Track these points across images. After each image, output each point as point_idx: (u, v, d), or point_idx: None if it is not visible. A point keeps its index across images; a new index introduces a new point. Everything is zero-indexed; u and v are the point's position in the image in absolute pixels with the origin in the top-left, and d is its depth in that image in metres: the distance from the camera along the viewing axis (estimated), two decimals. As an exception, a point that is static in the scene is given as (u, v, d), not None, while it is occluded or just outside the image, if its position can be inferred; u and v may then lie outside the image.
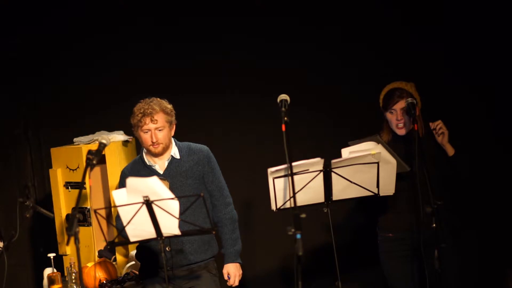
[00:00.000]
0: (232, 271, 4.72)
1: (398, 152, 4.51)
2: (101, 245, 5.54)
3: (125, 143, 5.66)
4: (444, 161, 4.64)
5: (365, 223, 5.57)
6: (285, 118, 3.90)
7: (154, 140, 4.59)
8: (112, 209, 5.07)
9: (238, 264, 4.74)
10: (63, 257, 5.61)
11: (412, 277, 4.70)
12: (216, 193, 4.74)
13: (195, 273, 4.68)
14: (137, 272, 5.08)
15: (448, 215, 4.61)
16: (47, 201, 5.94)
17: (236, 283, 4.75)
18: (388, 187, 4.41)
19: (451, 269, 4.59)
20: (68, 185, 5.62)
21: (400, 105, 4.63)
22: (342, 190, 4.37)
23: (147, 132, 4.60)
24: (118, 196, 4.09)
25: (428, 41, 5.45)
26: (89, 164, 3.98)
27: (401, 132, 4.66)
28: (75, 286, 5.17)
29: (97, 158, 4.00)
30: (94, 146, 5.01)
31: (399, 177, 4.49)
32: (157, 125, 4.60)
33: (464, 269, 4.79)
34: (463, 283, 4.79)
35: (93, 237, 5.54)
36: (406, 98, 4.59)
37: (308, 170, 4.27)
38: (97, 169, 5.63)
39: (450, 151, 4.63)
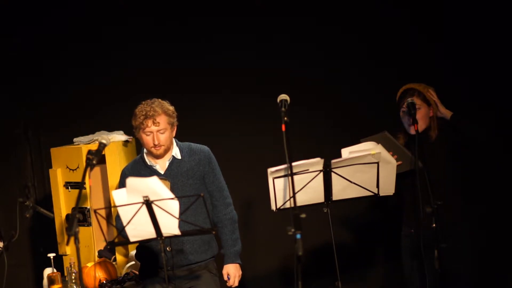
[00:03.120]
0: (232, 271, 4.72)
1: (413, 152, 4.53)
2: (101, 245, 5.54)
3: (125, 143, 5.66)
4: (450, 130, 4.68)
5: (365, 223, 5.59)
6: (285, 118, 3.90)
7: (156, 143, 4.59)
8: (112, 209, 5.07)
9: (238, 265, 4.74)
10: (63, 257, 5.61)
11: (415, 278, 4.71)
12: (216, 194, 4.74)
13: (195, 273, 4.68)
14: (137, 272, 5.08)
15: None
16: (47, 201, 5.94)
17: (236, 284, 4.75)
18: (388, 187, 4.41)
19: (459, 269, 4.61)
20: (68, 185, 5.62)
21: None
22: (342, 190, 4.37)
23: (149, 134, 4.59)
24: (118, 196, 4.09)
25: (428, 41, 5.45)
26: (89, 164, 3.98)
27: (413, 131, 4.66)
28: (75, 286, 5.17)
29: (97, 158, 4.00)
30: (94, 146, 5.01)
31: (414, 175, 4.51)
32: (159, 128, 4.58)
33: (465, 269, 4.79)
34: (464, 283, 4.78)
35: (93, 237, 5.54)
36: (417, 96, 4.61)
37: (308, 170, 4.27)
38: (97, 169, 5.63)
39: (448, 115, 4.68)
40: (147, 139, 4.61)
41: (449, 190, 4.62)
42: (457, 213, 4.67)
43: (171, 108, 4.67)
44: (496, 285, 5.46)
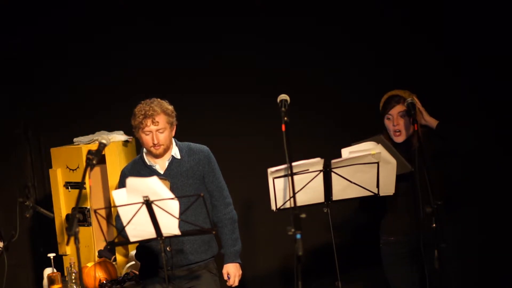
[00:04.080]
0: (232, 271, 4.72)
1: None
2: (101, 245, 5.54)
3: (125, 143, 5.66)
4: (435, 137, 4.63)
5: (365, 223, 5.57)
6: (285, 118, 3.90)
7: (156, 142, 4.59)
8: (112, 209, 5.07)
9: (238, 264, 4.74)
10: (63, 257, 5.61)
11: (413, 280, 4.70)
12: (216, 193, 4.74)
13: (195, 273, 4.68)
14: (137, 272, 5.08)
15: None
16: (47, 201, 5.94)
17: (236, 283, 4.75)
18: (388, 187, 4.41)
19: (451, 269, 4.60)
20: (68, 185, 5.62)
21: (397, 110, 4.62)
22: (342, 190, 4.37)
23: (148, 134, 4.60)
24: (118, 196, 4.09)
25: (428, 41, 5.45)
26: (89, 164, 3.98)
27: (398, 139, 4.63)
28: (75, 286, 5.17)
29: (97, 158, 4.00)
30: (94, 146, 5.01)
31: (400, 179, 4.49)
32: (158, 127, 4.59)
33: (464, 269, 4.79)
34: (463, 283, 4.79)
35: (93, 237, 5.54)
36: (403, 104, 4.58)
37: (308, 170, 4.27)
38: (97, 169, 5.63)
39: (434, 124, 4.62)
40: (146, 139, 4.61)
41: (434, 195, 4.59)
42: (443, 217, 4.65)
43: (170, 107, 4.67)
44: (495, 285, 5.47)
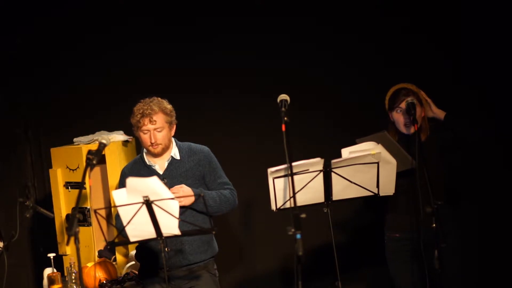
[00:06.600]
0: (186, 187, 4.50)
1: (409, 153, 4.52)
2: (101, 245, 5.54)
3: (125, 143, 5.66)
4: (443, 130, 4.65)
5: (365, 223, 5.58)
6: (285, 118, 3.90)
7: (153, 141, 4.59)
8: (112, 209, 5.07)
9: (193, 196, 4.49)
10: (63, 257, 5.62)
11: (417, 277, 4.70)
12: (220, 188, 4.71)
13: (194, 273, 4.67)
14: (137, 272, 5.08)
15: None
16: (47, 201, 5.94)
17: (177, 194, 4.41)
18: (388, 187, 4.41)
19: (451, 268, 4.60)
20: (68, 185, 5.62)
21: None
22: (342, 190, 4.37)
23: (146, 133, 4.60)
24: (118, 196, 4.10)
25: (428, 41, 5.45)
26: (89, 164, 3.98)
27: (409, 130, 4.63)
28: (75, 286, 5.17)
29: (97, 158, 4.00)
30: (94, 146, 5.01)
31: (406, 176, 4.49)
32: (156, 126, 4.59)
33: (464, 269, 4.79)
34: (464, 283, 4.79)
35: (93, 237, 5.54)
36: (412, 96, 4.59)
37: (308, 170, 4.27)
38: (97, 169, 5.63)
39: (441, 115, 4.65)
40: (145, 138, 4.62)
41: (440, 190, 4.60)
42: (447, 213, 4.65)
43: (169, 106, 4.67)
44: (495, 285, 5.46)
